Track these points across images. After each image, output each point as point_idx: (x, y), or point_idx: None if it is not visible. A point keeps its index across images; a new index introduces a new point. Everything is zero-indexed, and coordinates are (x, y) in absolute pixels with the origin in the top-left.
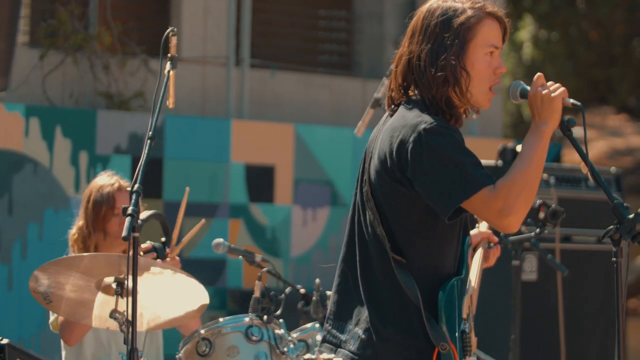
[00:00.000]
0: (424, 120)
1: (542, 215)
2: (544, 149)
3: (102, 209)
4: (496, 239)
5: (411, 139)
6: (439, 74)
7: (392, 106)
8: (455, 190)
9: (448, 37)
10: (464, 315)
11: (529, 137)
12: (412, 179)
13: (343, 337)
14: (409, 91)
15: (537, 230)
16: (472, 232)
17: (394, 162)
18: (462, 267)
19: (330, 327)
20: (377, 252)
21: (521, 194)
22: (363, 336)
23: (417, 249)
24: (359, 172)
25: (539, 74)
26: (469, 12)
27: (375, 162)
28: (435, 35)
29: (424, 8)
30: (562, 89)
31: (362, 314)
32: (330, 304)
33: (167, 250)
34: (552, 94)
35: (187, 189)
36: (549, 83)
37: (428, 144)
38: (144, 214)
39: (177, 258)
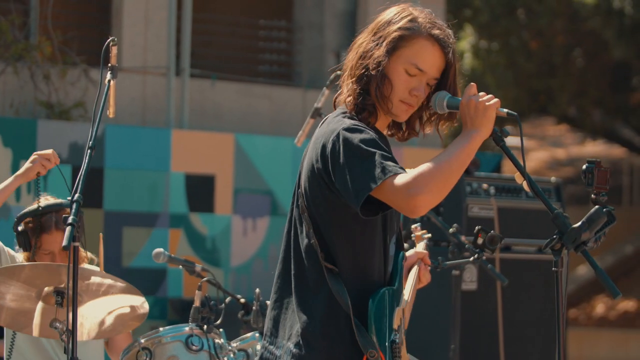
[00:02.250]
0: (344, 122)
1: (480, 241)
2: (469, 151)
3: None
4: (429, 261)
5: (330, 139)
6: (362, 65)
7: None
8: (365, 179)
9: (381, 36)
10: (395, 326)
11: (457, 139)
12: (333, 178)
13: (278, 352)
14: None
15: (476, 255)
16: (408, 253)
17: (320, 167)
18: (394, 278)
19: (267, 344)
20: (310, 263)
21: (434, 178)
22: (294, 350)
23: (346, 257)
24: (295, 186)
25: (471, 84)
26: (411, 24)
27: (306, 171)
28: (374, 33)
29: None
30: (496, 99)
31: (294, 327)
32: (266, 321)
33: None
34: (487, 104)
35: (101, 235)
36: (481, 93)
37: (343, 140)
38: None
39: None
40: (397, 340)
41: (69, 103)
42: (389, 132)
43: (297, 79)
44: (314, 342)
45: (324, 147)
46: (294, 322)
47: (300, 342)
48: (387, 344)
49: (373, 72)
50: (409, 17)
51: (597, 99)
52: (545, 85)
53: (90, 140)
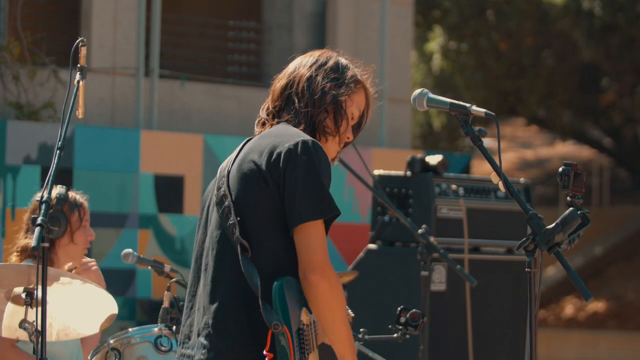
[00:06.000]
0: (304, 136)
1: (402, 319)
2: (344, 347)
3: (74, 215)
4: None
5: (289, 143)
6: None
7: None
8: (322, 205)
9: (339, 78)
10: (305, 321)
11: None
12: (279, 183)
13: (192, 352)
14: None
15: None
16: None
17: (263, 168)
18: None
19: (182, 349)
20: (223, 254)
21: (335, 305)
22: (205, 342)
23: (271, 248)
24: (214, 190)
25: None
26: (359, 74)
27: (240, 177)
28: (326, 72)
29: None
30: None
31: (201, 322)
32: (182, 333)
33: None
34: None
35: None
36: None
37: (307, 151)
38: None
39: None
40: (303, 329)
41: (38, 104)
42: None
43: (266, 80)
44: (225, 331)
45: (274, 146)
46: (201, 319)
47: (211, 332)
48: (293, 329)
49: (331, 107)
50: (356, 69)
51: (566, 100)
52: (514, 86)
53: (59, 141)
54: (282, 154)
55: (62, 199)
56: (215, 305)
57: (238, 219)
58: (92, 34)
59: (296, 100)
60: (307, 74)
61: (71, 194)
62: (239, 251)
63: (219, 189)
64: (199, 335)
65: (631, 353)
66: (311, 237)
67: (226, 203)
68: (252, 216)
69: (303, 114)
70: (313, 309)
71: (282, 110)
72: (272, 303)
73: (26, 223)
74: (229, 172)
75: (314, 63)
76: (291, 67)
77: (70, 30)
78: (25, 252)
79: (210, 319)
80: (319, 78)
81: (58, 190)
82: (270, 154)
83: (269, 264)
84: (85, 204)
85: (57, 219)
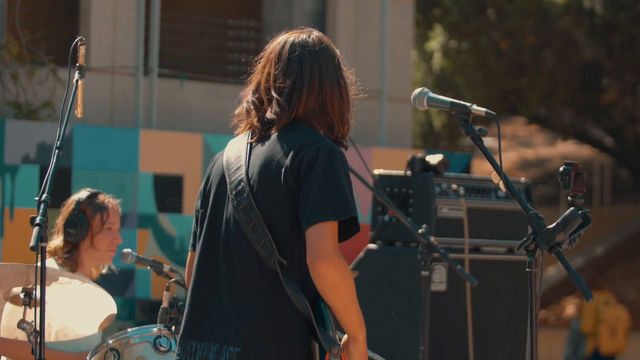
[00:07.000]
0: (328, 141)
1: None
2: (353, 319)
3: (96, 218)
4: None
5: (313, 146)
6: None
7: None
8: (343, 205)
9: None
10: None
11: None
12: (301, 179)
13: (211, 356)
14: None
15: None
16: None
17: (287, 168)
18: None
19: (193, 350)
20: (252, 263)
21: (345, 288)
22: (234, 350)
23: (299, 256)
24: (231, 190)
25: None
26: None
27: (265, 177)
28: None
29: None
30: None
31: (231, 330)
32: (183, 326)
33: None
34: None
35: None
36: None
37: (331, 155)
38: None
39: None
40: (341, 345)
41: (37, 103)
42: None
43: None
44: (262, 344)
45: (299, 149)
46: (226, 325)
47: (244, 344)
48: (341, 344)
49: (345, 99)
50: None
51: (567, 99)
52: (515, 85)
53: (58, 140)
54: (304, 158)
55: (80, 202)
56: (247, 315)
57: (270, 235)
58: (91, 32)
59: (326, 108)
60: (332, 84)
61: (101, 196)
62: (278, 270)
63: (238, 194)
64: (225, 342)
65: (632, 353)
66: (322, 232)
67: (252, 214)
68: (281, 232)
69: (328, 122)
70: (323, 295)
71: (290, 107)
72: (325, 325)
73: (58, 225)
74: (247, 172)
75: (328, 67)
76: (305, 67)
77: (69, 29)
78: (51, 253)
79: (244, 330)
80: (345, 88)
81: (81, 193)
82: (293, 160)
83: (300, 281)
84: (113, 207)
85: (74, 222)
